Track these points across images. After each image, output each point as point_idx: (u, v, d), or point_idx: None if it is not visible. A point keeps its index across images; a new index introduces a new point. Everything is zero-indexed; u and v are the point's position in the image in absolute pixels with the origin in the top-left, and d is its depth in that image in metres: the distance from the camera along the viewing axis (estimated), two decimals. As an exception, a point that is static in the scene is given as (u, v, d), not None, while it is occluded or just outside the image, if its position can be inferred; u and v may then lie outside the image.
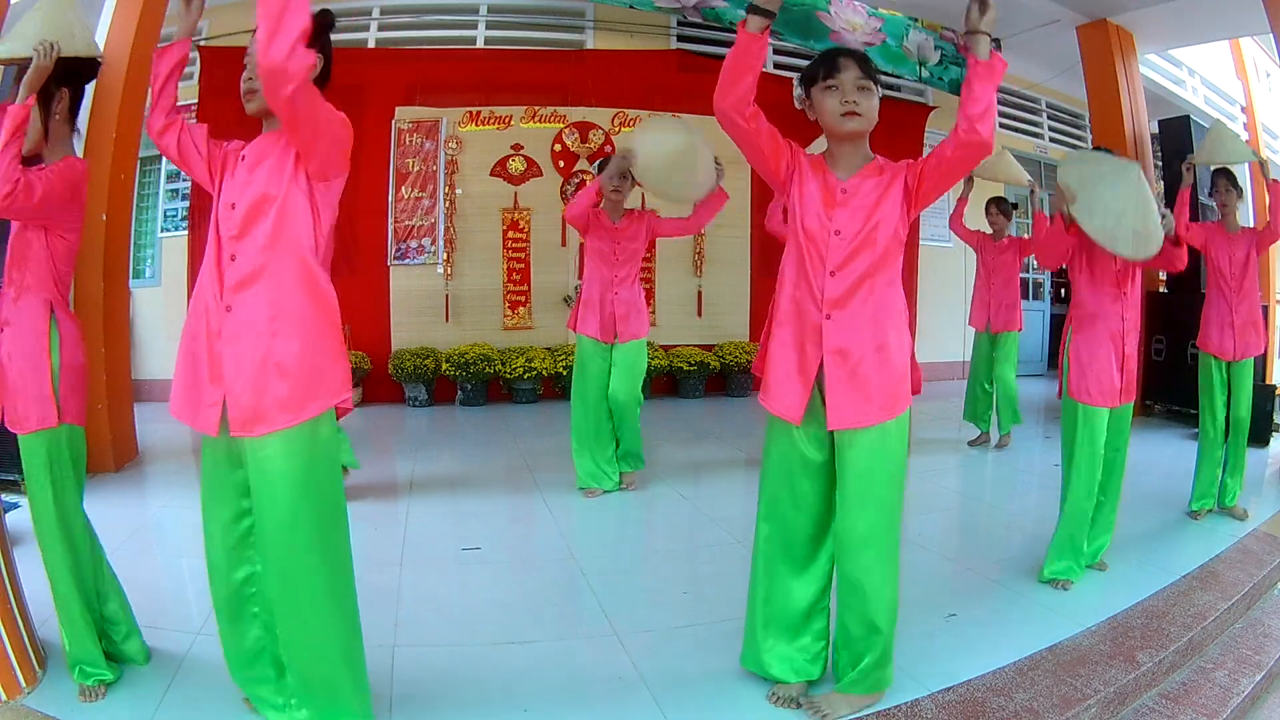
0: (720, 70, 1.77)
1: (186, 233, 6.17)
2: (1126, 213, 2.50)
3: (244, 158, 1.61)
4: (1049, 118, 8.69)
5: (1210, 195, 3.81)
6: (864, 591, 1.82)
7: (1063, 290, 9.51)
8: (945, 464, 4.61)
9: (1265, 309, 6.50)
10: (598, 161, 3.72)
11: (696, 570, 2.93)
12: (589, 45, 6.68)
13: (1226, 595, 2.63)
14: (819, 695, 1.92)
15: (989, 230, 5.03)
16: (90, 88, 4.23)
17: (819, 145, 1.99)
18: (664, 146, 3.31)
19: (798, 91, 1.96)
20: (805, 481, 1.86)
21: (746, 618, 2.04)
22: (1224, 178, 3.66)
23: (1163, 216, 2.63)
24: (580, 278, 6.67)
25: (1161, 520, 3.47)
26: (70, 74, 1.89)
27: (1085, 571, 2.76)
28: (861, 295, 1.80)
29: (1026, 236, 5.73)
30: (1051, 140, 8.74)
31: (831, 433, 1.83)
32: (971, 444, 5.00)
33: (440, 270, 6.40)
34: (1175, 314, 5.68)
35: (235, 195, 1.58)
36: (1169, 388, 5.80)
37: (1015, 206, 5.16)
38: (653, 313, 5.94)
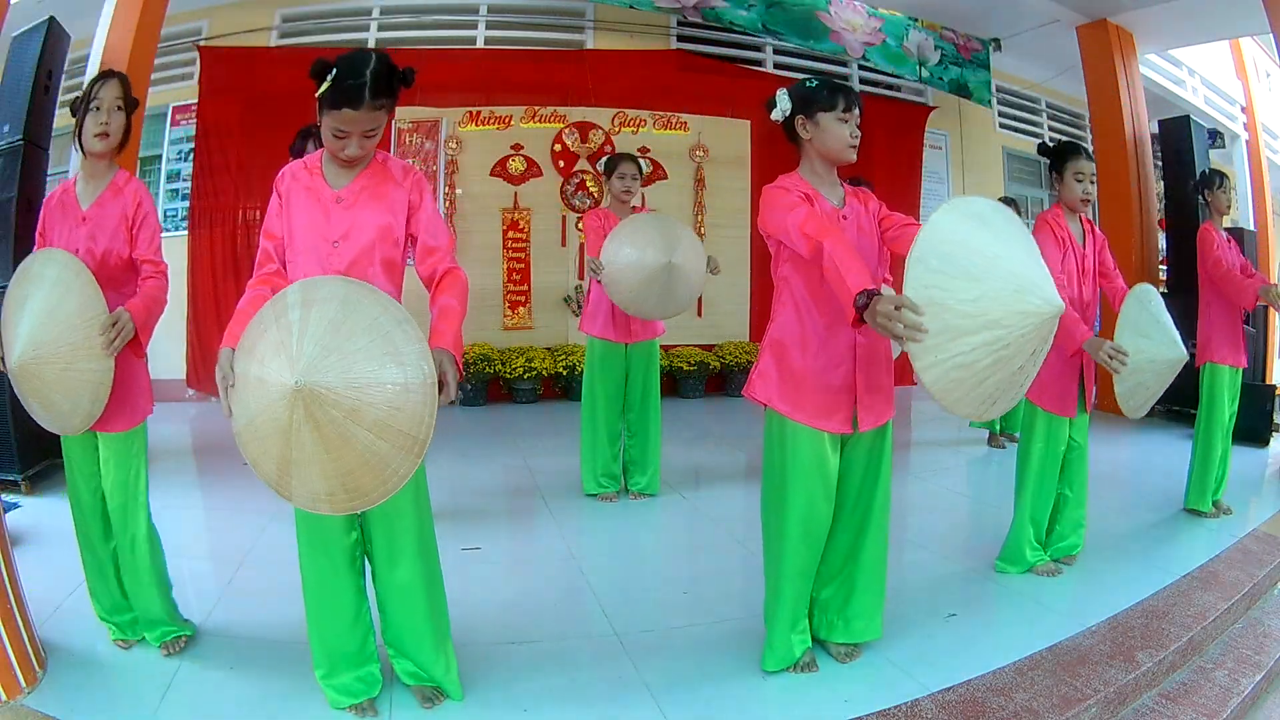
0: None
1: (186, 233, 6.17)
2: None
3: None
4: (1049, 118, 8.69)
5: (1203, 191, 3.74)
6: (873, 556, 2.10)
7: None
8: (945, 464, 4.61)
9: (1265, 309, 6.53)
10: (600, 161, 3.68)
11: (696, 570, 2.93)
12: (589, 45, 6.68)
13: (1226, 595, 2.62)
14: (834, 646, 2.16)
15: None
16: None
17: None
18: (638, 271, 3.18)
19: (785, 105, 1.99)
20: (831, 482, 2.02)
21: (772, 626, 2.07)
22: (1219, 175, 3.65)
23: None
24: (582, 277, 6.68)
25: (1161, 520, 3.47)
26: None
27: (1050, 558, 2.83)
28: None
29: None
30: (1052, 140, 8.73)
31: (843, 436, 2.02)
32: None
33: (440, 270, 6.39)
34: (1174, 315, 5.67)
35: None
36: (1168, 388, 5.78)
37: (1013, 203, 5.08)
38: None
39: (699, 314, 6.81)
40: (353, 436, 1.51)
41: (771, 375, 2.01)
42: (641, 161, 3.66)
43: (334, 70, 1.68)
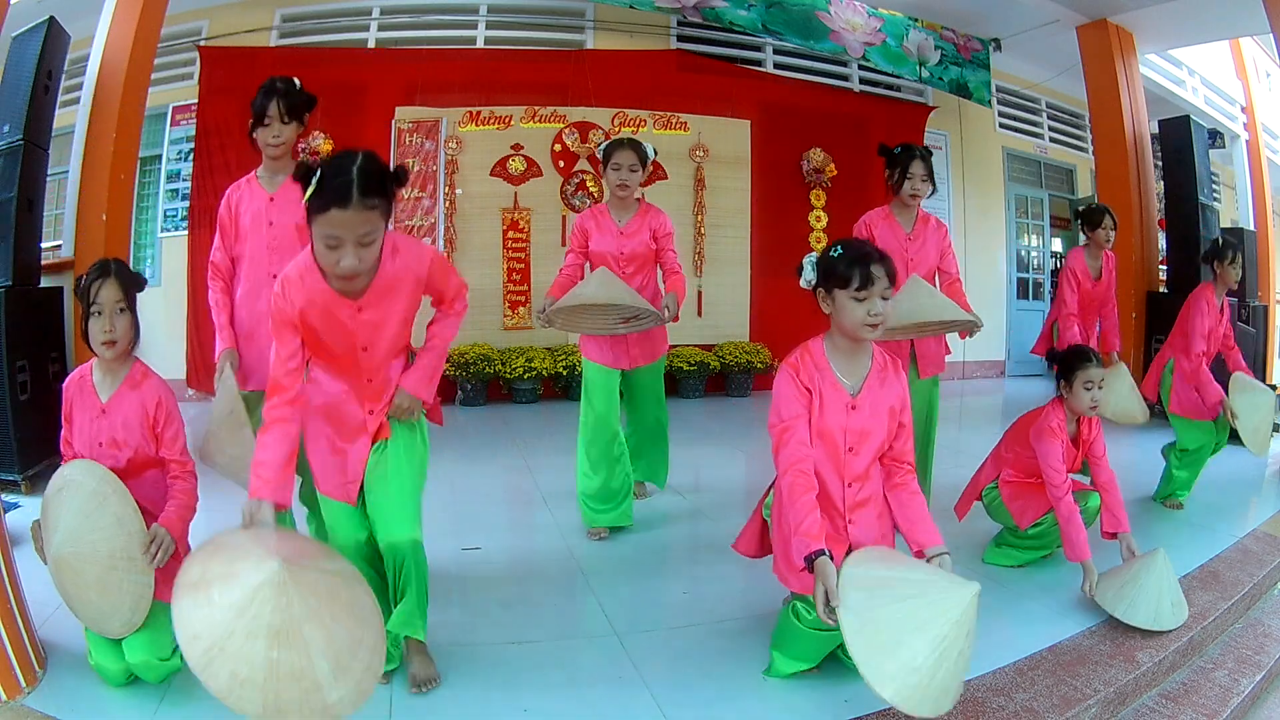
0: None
1: (186, 233, 6.17)
2: None
3: None
4: (1049, 118, 8.69)
5: (1213, 262, 3.64)
6: None
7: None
8: (944, 465, 4.60)
9: (1264, 309, 6.53)
10: (599, 148, 3.11)
11: (696, 570, 2.92)
12: (589, 45, 6.68)
13: (1226, 595, 2.63)
14: None
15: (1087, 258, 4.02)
16: (89, 85, 4.27)
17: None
18: (580, 290, 2.97)
19: (810, 276, 1.93)
20: None
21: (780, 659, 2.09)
22: (1232, 248, 3.57)
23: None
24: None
25: (1161, 520, 3.47)
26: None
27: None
28: (871, 489, 1.98)
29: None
30: (1051, 140, 8.74)
31: None
32: None
33: (440, 270, 6.39)
34: (1175, 314, 5.67)
35: None
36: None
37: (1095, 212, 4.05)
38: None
39: (699, 314, 6.82)
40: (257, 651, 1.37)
41: (781, 552, 2.01)
42: (647, 147, 3.03)
43: (319, 171, 1.60)
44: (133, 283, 1.97)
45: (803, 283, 1.95)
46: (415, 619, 1.94)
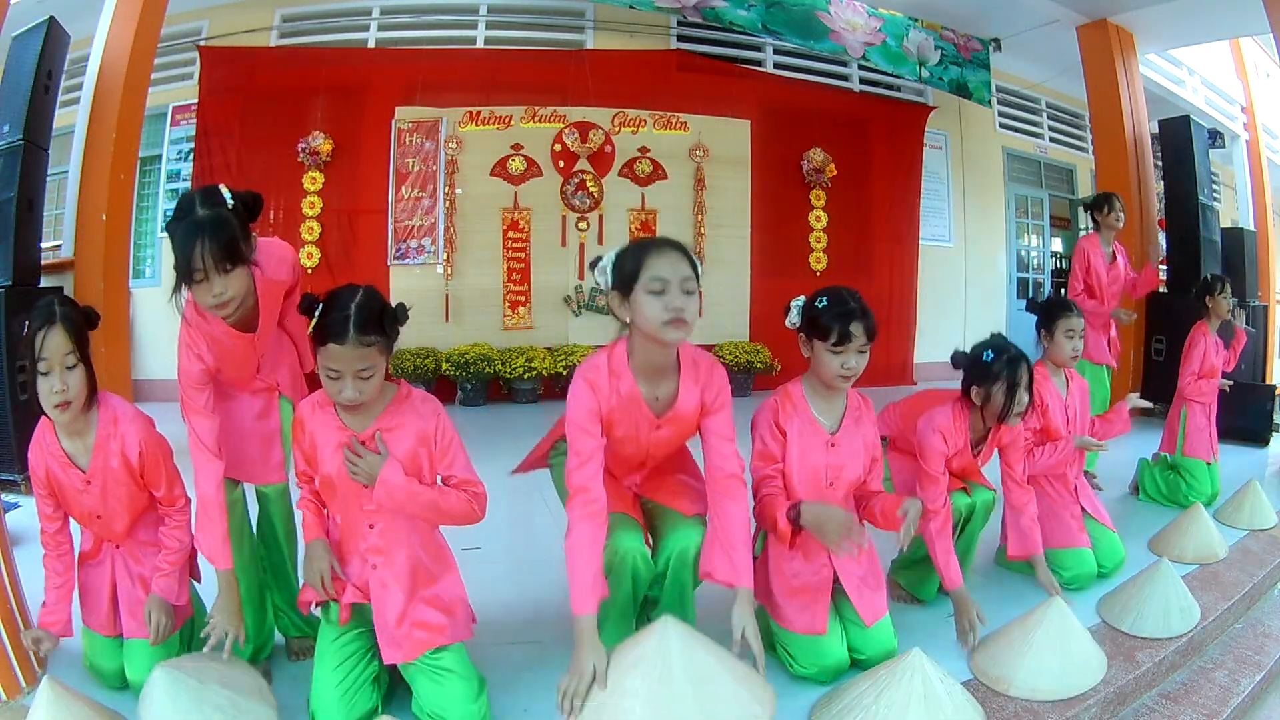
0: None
1: (186, 233, 6.17)
2: None
3: None
4: (1049, 118, 8.70)
5: (1204, 296, 3.73)
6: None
7: (1062, 290, 9.49)
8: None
9: (1265, 309, 6.52)
10: (610, 256, 1.85)
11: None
12: (589, 45, 6.69)
13: (1226, 595, 2.62)
14: None
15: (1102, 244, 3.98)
16: (89, 85, 4.26)
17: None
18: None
19: (794, 319, 2.03)
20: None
21: None
22: (1221, 281, 3.71)
23: None
24: (582, 278, 6.68)
25: (1162, 520, 3.47)
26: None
27: None
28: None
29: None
30: (1051, 140, 8.75)
31: None
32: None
33: (440, 270, 6.40)
34: (1175, 314, 5.68)
35: None
36: (1169, 387, 5.78)
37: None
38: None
39: (699, 314, 6.81)
40: None
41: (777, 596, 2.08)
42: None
43: (320, 305, 1.64)
44: (84, 322, 1.71)
45: (787, 323, 2.05)
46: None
